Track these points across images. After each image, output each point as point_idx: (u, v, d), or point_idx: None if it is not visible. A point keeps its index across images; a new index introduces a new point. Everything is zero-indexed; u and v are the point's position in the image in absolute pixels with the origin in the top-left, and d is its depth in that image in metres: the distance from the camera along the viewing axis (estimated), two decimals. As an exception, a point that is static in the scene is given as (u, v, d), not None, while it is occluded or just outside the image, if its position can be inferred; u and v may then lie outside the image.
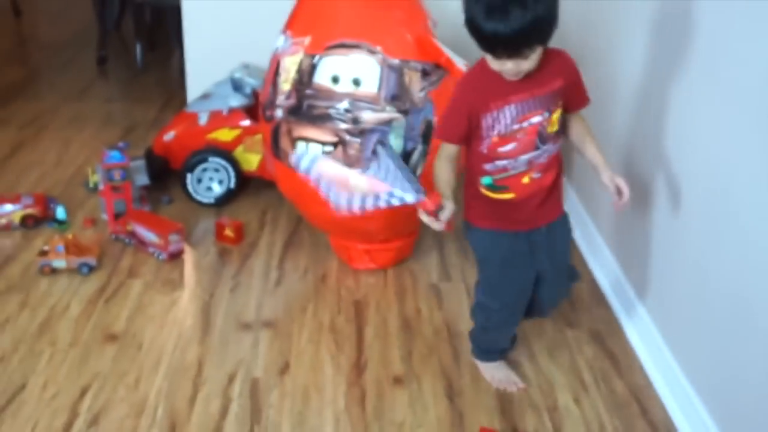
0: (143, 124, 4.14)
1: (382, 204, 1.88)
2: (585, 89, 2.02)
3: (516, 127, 1.93)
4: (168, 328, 2.48)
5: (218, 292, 2.67)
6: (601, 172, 2.02)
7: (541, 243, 2.09)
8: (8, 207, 3.06)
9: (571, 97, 1.99)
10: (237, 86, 3.35)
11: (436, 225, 1.85)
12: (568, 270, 2.26)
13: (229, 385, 2.24)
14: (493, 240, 2.08)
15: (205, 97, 3.40)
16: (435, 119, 2.53)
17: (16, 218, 3.05)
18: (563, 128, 2.03)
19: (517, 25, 1.72)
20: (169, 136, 3.35)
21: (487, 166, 1.99)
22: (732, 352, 1.86)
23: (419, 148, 2.53)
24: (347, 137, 2.49)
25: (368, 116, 2.48)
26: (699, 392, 2.02)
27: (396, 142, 2.50)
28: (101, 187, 3.08)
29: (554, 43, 1.89)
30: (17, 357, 2.34)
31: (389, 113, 2.49)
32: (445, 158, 2.01)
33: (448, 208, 1.86)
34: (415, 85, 2.51)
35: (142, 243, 2.89)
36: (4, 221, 3.05)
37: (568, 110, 2.01)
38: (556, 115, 1.96)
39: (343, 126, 2.49)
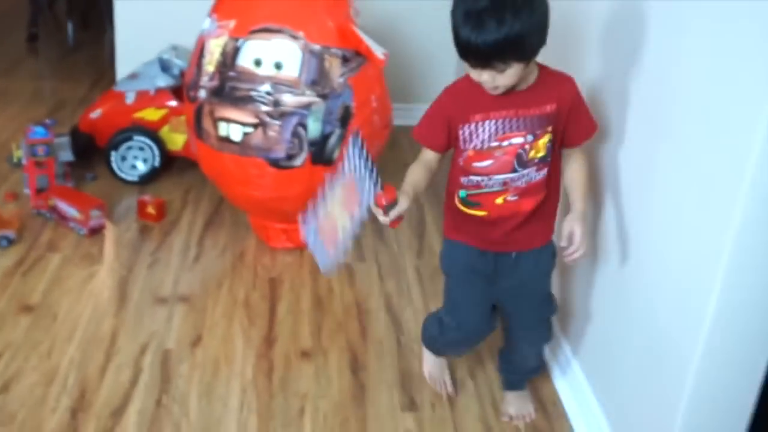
0: (71, 102, 4.15)
1: (357, 224, 1.77)
2: (588, 121, 1.90)
3: (494, 144, 1.82)
4: (84, 301, 2.53)
5: (136, 268, 2.72)
6: (568, 215, 1.88)
7: (508, 269, 1.97)
8: (-72, 179, 3.06)
9: (569, 127, 1.86)
10: (165, 67, 3.39)
11: (382, 218, 1.75)
12: (544, 305, 2.08)
13: (140, 355, 2.30)
14: (458, 253, 1.99)
15: (133, 76, 3.44)
16: (353, 104, 2.62)
17: (-64, 190, 3.06)
18: (555, 157, 1.89)
19: (490, 38, 1.64)
20: (96, 113, 3.38)
21: (463, 179, 1.89)
22: (616, 343, 1.99)
23: (337, 132, 2.61)
24: (267, 119, 2.57)
25: (288, 99, 2.56)
26: (587, 375, 2.15)
27: (314, 125, 2.58)
28: (24, 162, 3.10)
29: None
30: (-70, 325, 2.37)
31: (309, 97, 2.57)
32: (420, 161, 1.91)
33: (401, 205, 1.75)
34: (335, 70, 2.60)
35: (63, 218, 2.92)
36: (-77, 193, 3.05)
37: (566, 142, 1.89)
38: (543, 141, 1.83)
39: (264, 108, 2.57)
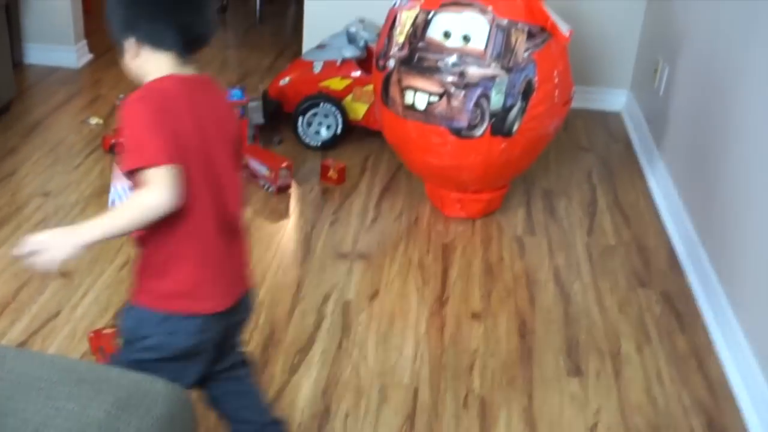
0: (258, 71, 4.41)
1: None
2: (125, 151, 1.42)
3: None
4: (272, 251, 2.73)
5: (319, 225, 2.91)
6: None
7: None
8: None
9: None
10: (351, 39, 3.56)
11: None
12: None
13: (323, 303, 2.48)
14: None
15: (321, 47, 3.63)
16: (536, 79, 2.69)
17: (142, 143, 3.35)
18: None
19: None
20: (285, 81, 3.59)
21: None
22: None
23: (518, 104, 2.69)
24: (452, 89, 2.68)
25: (474, 71, 2.66)
26: (754, 351, 2.15)
27: (497, 97, 2.67)
28: (220, 121, 3.35)
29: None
30: (139, 261, 2.63)
31: (494, 70, 2.66)
32: None
33: None
34: (521, 45, 2.68)
35: (253, 175, 3.15)
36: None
37: None
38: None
39: (450, 78, 2.68)
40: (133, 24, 1.45)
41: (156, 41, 1.46)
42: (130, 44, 1.47)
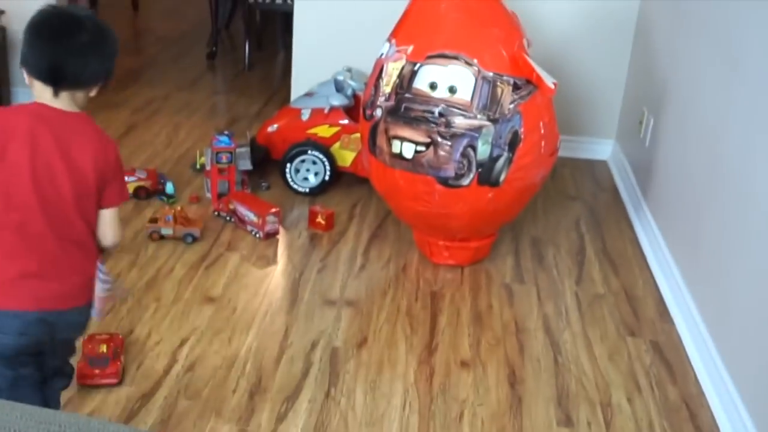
0: (246, 116, 4.42)
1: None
2: None
3: None
4: (260, 297, 2.72)
5: (307, 271, 2.90)
6: None
7: None
8: (123, 178, 3.36)
9: None
10: (339, 87, 3.60)
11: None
12: None
13: (311, 350, 2.46)
14: None
15: (309, 95, 3.66)
16: (522, 130, 2.72)
17: (130, 189, 3.34)
18: None
19: None
20: (273, 128, 3.61)
21: None
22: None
23: (505, 155, 2.72)
24: (439, 139, 2.70)
25: (460, 121, 2.69)
26: (745, 401, 2.15)
27: (483, 147, 2.69)
28: (208, 167, 3.36)
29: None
30: (126, 308, 2.61)
31: (480, 120, 2.69)
32: None
33: None
34: (507, 97, 2.71)
35: (241, 221, 3.15)
36: (118, 190, 3.35)
37: None
38: None
39: (437, 129, 2.70)
40: (25, 56, 1.77)
41: (34, 72, 1.76)
42: (25, 73, 1.78)
